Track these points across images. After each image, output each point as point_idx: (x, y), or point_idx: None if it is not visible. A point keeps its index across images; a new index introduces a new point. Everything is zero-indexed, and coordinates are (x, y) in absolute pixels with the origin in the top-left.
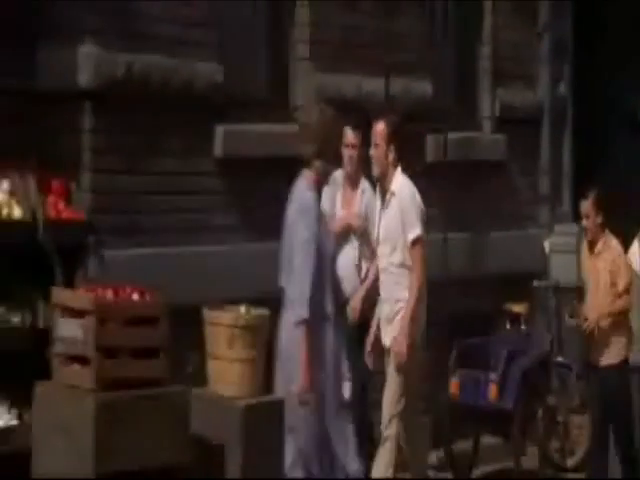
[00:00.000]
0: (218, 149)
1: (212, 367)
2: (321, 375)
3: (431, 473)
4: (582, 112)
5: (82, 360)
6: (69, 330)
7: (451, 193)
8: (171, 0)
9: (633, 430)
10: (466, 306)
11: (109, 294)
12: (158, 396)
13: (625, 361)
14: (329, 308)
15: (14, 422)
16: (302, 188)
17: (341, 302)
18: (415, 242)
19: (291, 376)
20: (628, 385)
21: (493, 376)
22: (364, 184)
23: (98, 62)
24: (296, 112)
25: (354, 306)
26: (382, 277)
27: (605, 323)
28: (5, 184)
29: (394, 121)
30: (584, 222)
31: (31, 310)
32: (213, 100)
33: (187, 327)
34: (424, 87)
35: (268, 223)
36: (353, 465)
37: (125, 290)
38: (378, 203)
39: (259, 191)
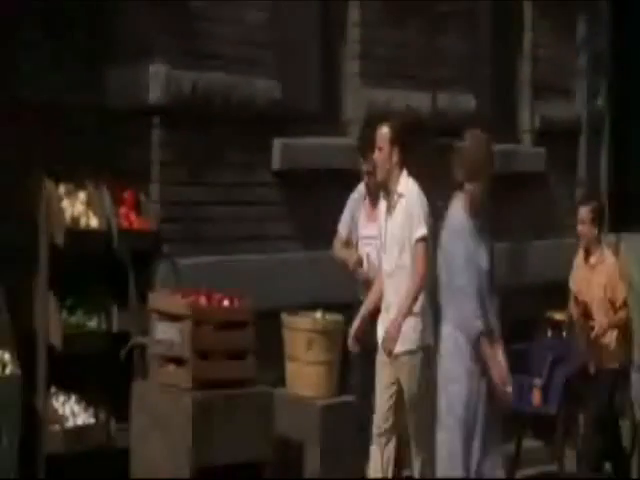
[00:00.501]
0: (276, 161)
1: (290, 369)
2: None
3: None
4: (619, 125)
5: (178, 361)
6: (166, 333)
7: (493, 204)
8: (233, 22)
9: (620, 441)
10: (509, 314)
11: (203, 300)
12: (246, 395)
13: (622, 370)
14: (493, 321)
15: (91, 420)
16: (456, 210)
17: None
18: (419, 241)
19: (451, 379)
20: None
21: (537, 381)
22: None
23: (166, 80)
24: (349, 126)
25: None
26: (387, 282)
27: (609, 335)
28: (82, 196)
29: (397, 125)
30: (579, 227)
31: (106, 315)
32: (271, 115)
33: None
34: (468, 101)
35: (322, 232)
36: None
37: (216, 296)
38: (383, 207)
39: (313, 201)
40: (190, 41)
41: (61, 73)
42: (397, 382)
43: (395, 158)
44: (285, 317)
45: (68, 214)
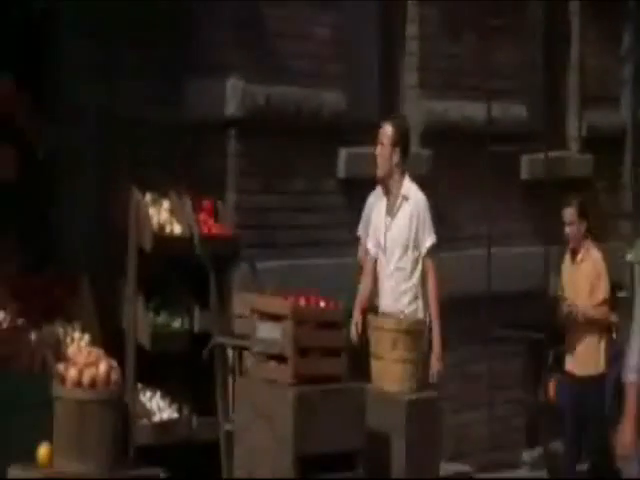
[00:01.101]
0: (341, 170)
1: (376, 366)
2: None
3: (525, 471)
4: None
5: (279, 358)
6: (268, 332)
7: (543, 208)
8: (303, 38)
9: (606, 444)
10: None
11: (302, 302)
12: (341, 390)
13: (603, 375)
14: None
15: (175, 415)
16: None
17: None
18: (432, 249)
19: None
20: (603, 400)
21: None
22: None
23: (242, 94)
24: None
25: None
26: (386, 284)
27: (585, 327)
28: (166, 204)
29: (401, 124)
30: (567, 229)
31: (189, 316)
32: (337, 126)
33: None
34: (519, 110)
35: None
36: None
37: (314, 298)
38: (383, 207)
39: None
40: (263, 57)
41: (145, 88)
42: None
43: (396, 159)
44: (372, 318)
45: (154, 221)
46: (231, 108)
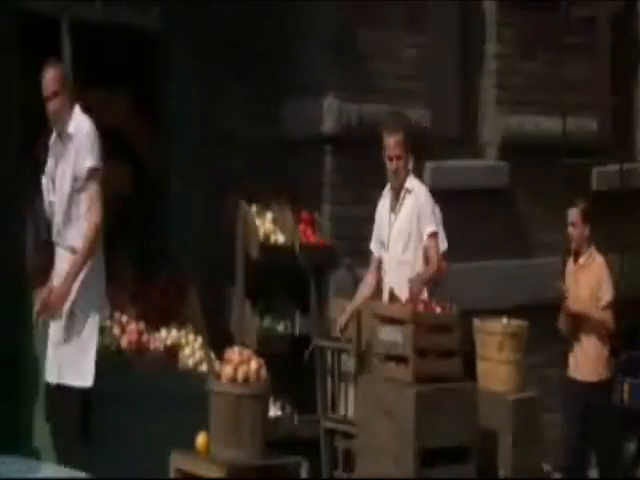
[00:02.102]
0: (426, 182)
1: (482, 367)
2: None
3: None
4: None
5: (399, 359)
6: (389, 335)
7: (613, 218)
8: (391, 59)
9: (615, 449)
10: (628, 321)
11: (421, 307)
12: (456, 389)
13: (606, 381)
14: None
15: (279, 413)
16: None
17: None
18: (431, 236)
19: None
20: (607, 404)
21: None
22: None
23: (338, 112)
24: (486, 149)
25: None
26: (389, 277)
27: (586, 329)
28: (269, 215)
29: (406, 127)
30: (570, 230)
31: (291, 320)
32: (423, 141)
33: None
34: (591, 124)
35: (467, 245)
36: None
37: (429, 304)
38: (387, 204)
39: (460, 217)
40: (356, 77)
41: (247, 107)
42: None
43: (411, 165)
44: (478, 322)
45: (261, 232)
46: (327, 125)
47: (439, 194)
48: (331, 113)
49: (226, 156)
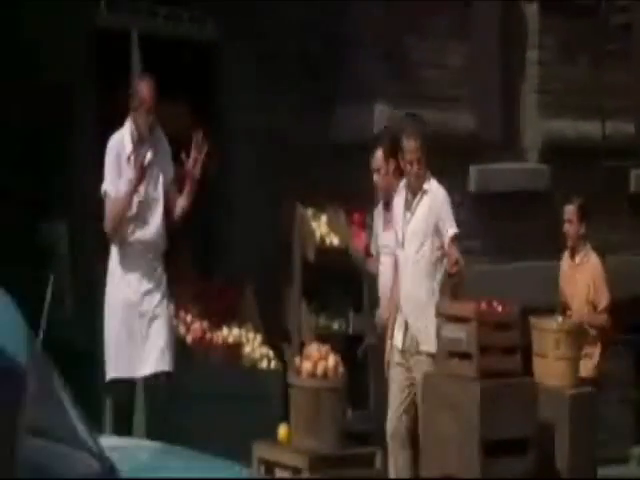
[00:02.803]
0: (472, 185)
1: (538, 363)
2: None
3: (633, 465)
4: None
5: (462, 355)
6: (453, 332)
7: None
8: (439, 67)
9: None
10: None
11: (483, 306)
12: (517, 384)
13: (594, 380)
14: None
15: None
16: None
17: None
18: (454, 238)
19: None
20: (593, 405)
21: None
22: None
23: (388, 118)
24: (528, 152)
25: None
26: (404, 276)
27: (583, 334)
28: (324, 218)
29: (422, 132)
30: (566, 227)
31: (345, 319)
32: (468, 145)
33: None
34: (629, 128)
35: (510, 246)
36: None
37: (492, 302)
38: (402, 202)
39: (502, 218)
40: (406, 84)
41: (302, 114)
42: (413, 383)
43: (424, 168)
44: (534, 320)
45: (317, 234)
46: (378, 131)
47: (483, 196)
48: (382, 119)
49: (281, 161)
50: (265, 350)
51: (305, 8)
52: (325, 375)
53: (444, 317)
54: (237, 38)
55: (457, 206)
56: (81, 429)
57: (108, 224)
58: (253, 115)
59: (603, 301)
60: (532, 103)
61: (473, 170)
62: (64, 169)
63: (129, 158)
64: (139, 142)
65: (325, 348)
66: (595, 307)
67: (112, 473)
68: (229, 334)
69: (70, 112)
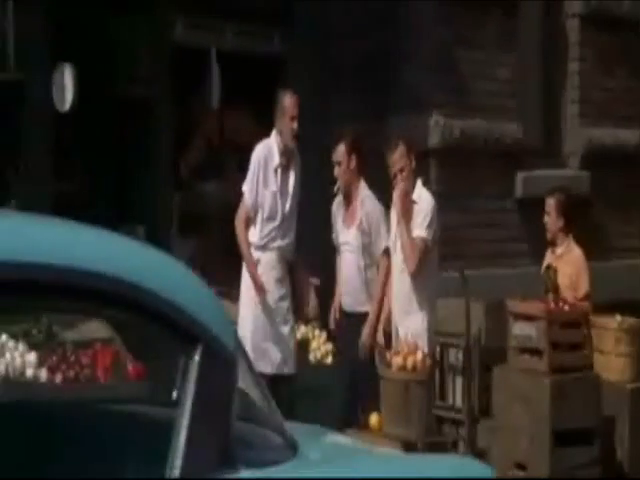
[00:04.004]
0: (519, 191)
1: (599, 359)
2: None
3: None
4: None
5: (531, 351)
6: (523, 330)
7: None
8: (488, 79)
9: None
10: None
11: (551, 304)
12: (584, 378)
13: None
14: None
15: None
16: None
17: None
18: (416, 239)
19: None
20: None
21: None
22: (364, 194)
23: (442, 128)
24: (569, 159)
25: (365, 342)
26: (396, 286)
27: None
28: None
29: (410, 143)
30: (545, 218)
31: None
32: (515, 152)
33: None
34: None
35: None
36: None
37: (558, 302)
38: (394, 213)
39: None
40: (458, 95)
41: (360, 125)
42: None
43: (413, 165)
44: (595, 318)
45: None
46: (433, 140)
47: (528, 201)
48: (436, 129)
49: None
50: (330, 346)
51: (363, 24)
52: (414, 368)
53: (514, 316)
54: (300, 52)
55: (504, 211)
56: (265, 407)
57: (238, 225)
58: (313, 125)
59: (582, 289)
60: (573, 112)
61: (519, 176)
62: (144, 176)
63: (276, 170)
64: (284, 152)
65: (413, 343)
66: (575, 296)
67: (295, 450)
68: (297, 331)
69: (150, 123)
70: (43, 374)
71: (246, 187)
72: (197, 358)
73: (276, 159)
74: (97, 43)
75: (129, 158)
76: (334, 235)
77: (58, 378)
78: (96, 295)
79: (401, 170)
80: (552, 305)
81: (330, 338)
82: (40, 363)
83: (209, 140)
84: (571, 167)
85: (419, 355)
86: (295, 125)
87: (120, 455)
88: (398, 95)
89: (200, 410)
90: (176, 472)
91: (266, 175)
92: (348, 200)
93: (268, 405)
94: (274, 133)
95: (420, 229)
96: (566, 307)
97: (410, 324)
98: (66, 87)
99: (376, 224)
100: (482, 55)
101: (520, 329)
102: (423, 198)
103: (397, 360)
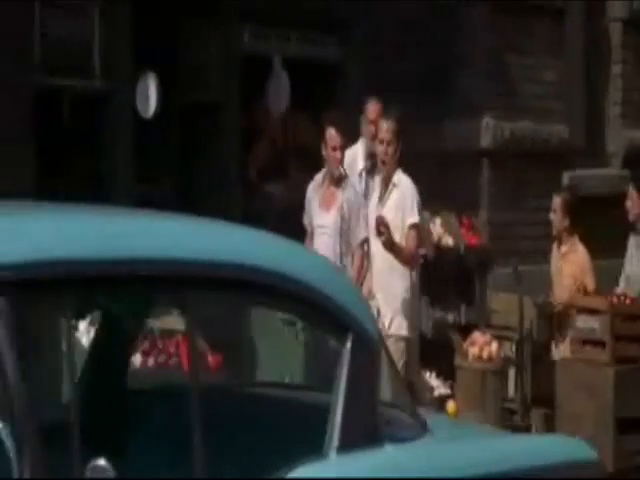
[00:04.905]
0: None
1: None
2: None
3: None
4: None
5: (596, 343)
6: (586, 323)
7: None
8: (536, 82)
9: None
10: None
11: (615, 299)
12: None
13: None
14: None
15: (448, 391)
16: None
17: None
18: (412, 227)
19: None
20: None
21: None
22: (347, 182)
23: (494, 130)
24: (612, 159)
25: None
26: (375, 267)
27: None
28: (438, 220)
29: (397, 121)
30: (551, 216)
31: (457, 311)
32: (561, 153)
33: None
34: None
35: (600, 246)
36: None
37: (619, 296)
38: (375, 196)
39: (593, 222)
40: (508, 98)
41: (416, 126)
42: None
43: (398, 153)
44: None
45: (435, 235)
46: (485, 141)
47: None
48: (488, 131)
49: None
50: None
51: (418, 31)
52: (489, 358)
53: (577, 309)
54: (358, 58)
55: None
56: (399, 390)
57: None
58: None
59: (589, 286)
60: (615, 113)
61: (566, 176)
62: (214, 178)
63: (360, 174)
64: (369, 156)
65: (489, 335)
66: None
67: (426, 429)
68: None
69: (219, 128)
70: (137, 360)
71: None
72: (349, 346)
73: (360, 163)
74: (173, 52)
75: (200, 160)
76: (306, 217)
77: (150, 363)
78: (266, 290)
79: (388, 144)
80: (615, 299)
81: None
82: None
83: (274, 142)
84: (614, 166)
85: (494, 346)
86: (373, 129)
87: (284, 434)
88: (451, 99)
89: (352, 392)
90: (334, 447)
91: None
92: (330, 184)
93: (402, 388)
94: (361, 139)
95: (412, 216)
96: (627, 301)
97: (398, 303)
98: (150, 95)
99: (356, 212)
100: (530, 60)
101: (583, 322)
102: (403, 182)
103: (473, 350)
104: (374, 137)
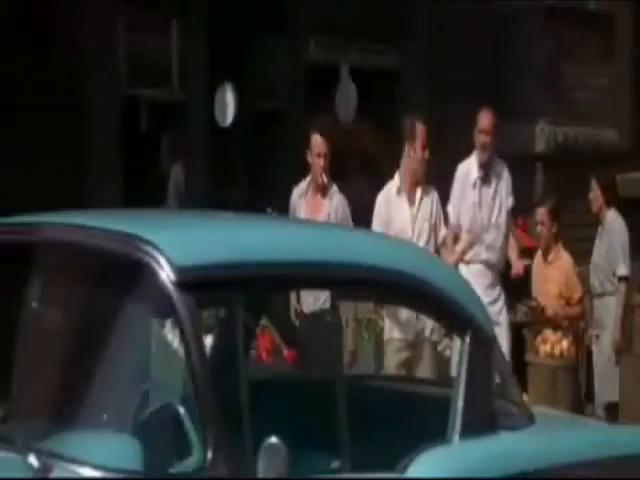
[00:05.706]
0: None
1: None
2: None
3: None
4: None
5: None
6: None
7: None
8: (586, 89)
9: None
10: None
11: None
12: None
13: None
14: None
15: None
16: None
17: None
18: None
19: None
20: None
21: None
22: (333, 190)
23: (548, 134)
24: None
25: None
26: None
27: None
28: None
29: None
30: (539, 228)
31: (513, 309)
32: (613, 156)
33: None
34: None
35: None
36: None
37: None
38: (404, 201)
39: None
40: (561, 104)
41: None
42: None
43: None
44: None
45: None
46: (539, 146)
47: (625, 202)
48: (542, 136)
49: (449, 175)
50: (448, 341)
51: (475, 39)
52: (561, 355)
53: (637, 308)
54: (416, 66)
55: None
56: (510, 383)
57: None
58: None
59: (576, 294)
60: None
61: (619, 179)
62: (282, 184)
63: (474, 184)
64: (481, 168)
65: (561, 332)
66: (568, 301)
67: (533, 419)
68: None
69: (286, 135)
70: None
71: (449, 206)
72: (468, 341)
73: (473, 175)
74: (245, 63)
75: (269, 167)
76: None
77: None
78: (396, 289)
79: (424, 147)
80: None
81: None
82: None
83: (338, 149)
84: None
85: (564, 343)
86: (489, 143)
87: (410, 423)
88: (506, 104)
89: (472, 383)
90: (457, 433)
91: (464, 190)
92: (315, 191)
93: (511, 381)
94: (475, 150)
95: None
96: None
97: None
98: (227, 104)
99: (346, 222)
100: (582, 66)
101: None
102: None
103: (546, 348)
104: (485, 147)
